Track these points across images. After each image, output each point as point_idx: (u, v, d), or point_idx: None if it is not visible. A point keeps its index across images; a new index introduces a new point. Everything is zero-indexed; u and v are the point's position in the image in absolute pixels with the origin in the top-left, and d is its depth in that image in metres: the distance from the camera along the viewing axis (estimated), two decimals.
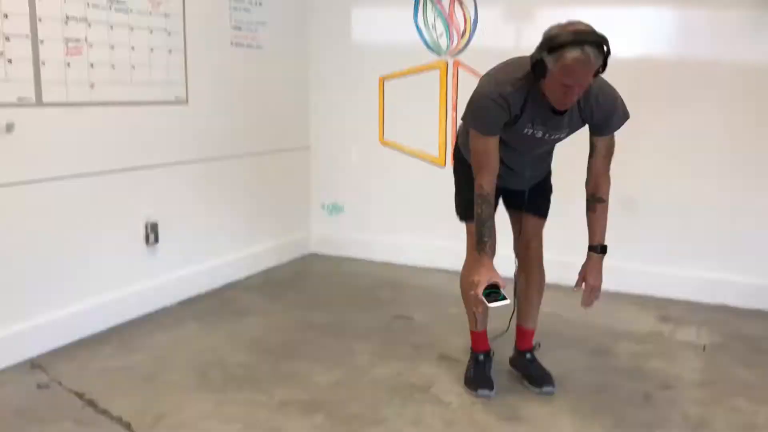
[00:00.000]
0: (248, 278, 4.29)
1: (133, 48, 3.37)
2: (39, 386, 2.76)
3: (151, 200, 3.58)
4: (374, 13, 4.59)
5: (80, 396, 2.66)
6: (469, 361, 2.85)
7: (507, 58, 2.53)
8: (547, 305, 3.82)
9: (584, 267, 2.71)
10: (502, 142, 2.44)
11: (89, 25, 3.14)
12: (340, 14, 4.63)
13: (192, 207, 3.87)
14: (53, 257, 3.10)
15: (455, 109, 4.40)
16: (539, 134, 2.47)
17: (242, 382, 2.81)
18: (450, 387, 2.78)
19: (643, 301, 3.89)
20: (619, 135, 3.99)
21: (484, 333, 2.84)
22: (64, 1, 3.02)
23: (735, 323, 3.58)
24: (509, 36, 4.18)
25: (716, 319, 3.62)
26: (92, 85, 3.19)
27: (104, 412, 2.54)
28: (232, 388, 2.75)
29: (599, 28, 2.25)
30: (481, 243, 2.46)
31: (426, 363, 3.01)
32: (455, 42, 4.33)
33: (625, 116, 2.58)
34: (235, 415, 2.53)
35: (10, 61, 2.83)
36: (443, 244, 4.52)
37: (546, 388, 2.74)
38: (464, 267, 2.78)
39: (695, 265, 3.90)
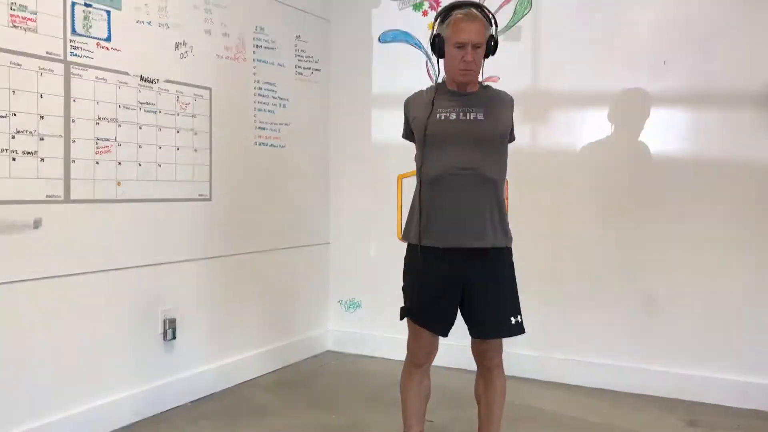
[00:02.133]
0: (265, 376, 4.23)
1: (160, 147, 3.48)
2: None
3: (172, 296, 3.60)
4: (393, 115, 4.68)
5: None
6: None
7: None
8: (571, 409, 3.72)
9: None
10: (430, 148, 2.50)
11: (119, 125, 3.26)
12: (361, 116, 4.78)
13: (211, 303, 3.87)
14: (72, 353, 3.09)
15: None
16: (453, 116, 2.47)
17: None
18: None
19: (670, 405, 3.76)
20: (640, 233, 4.02)
21: None
22: (97, 103, 3.16)
23: None
24: (525, 136, 4.26)
25: (748, 426, 3.48)
26: (119, 183, 3.28)
27: None
28: None
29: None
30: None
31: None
32: None
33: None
34: None
35: (42, 159, 2.93)
36: (463, 343, 4.45)
37: None
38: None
39: (724, 367, 3.78)
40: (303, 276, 4.68)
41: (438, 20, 2.48)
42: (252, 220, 4.15)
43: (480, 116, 2.47)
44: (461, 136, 2.47)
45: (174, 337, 3.58)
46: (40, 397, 2.97)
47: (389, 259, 4.73)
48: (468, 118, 2.47)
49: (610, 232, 4.05)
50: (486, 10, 2.49)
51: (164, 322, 3.54)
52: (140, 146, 3.38)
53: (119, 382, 3.32)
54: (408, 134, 2.72)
